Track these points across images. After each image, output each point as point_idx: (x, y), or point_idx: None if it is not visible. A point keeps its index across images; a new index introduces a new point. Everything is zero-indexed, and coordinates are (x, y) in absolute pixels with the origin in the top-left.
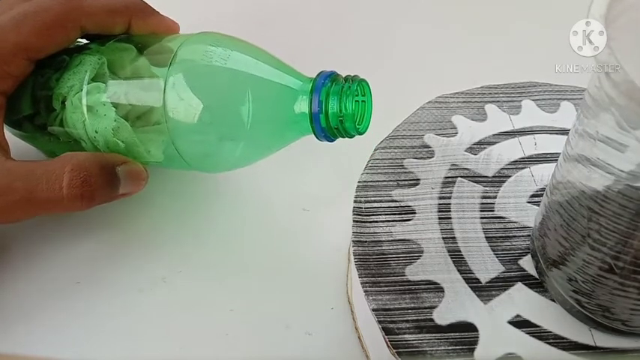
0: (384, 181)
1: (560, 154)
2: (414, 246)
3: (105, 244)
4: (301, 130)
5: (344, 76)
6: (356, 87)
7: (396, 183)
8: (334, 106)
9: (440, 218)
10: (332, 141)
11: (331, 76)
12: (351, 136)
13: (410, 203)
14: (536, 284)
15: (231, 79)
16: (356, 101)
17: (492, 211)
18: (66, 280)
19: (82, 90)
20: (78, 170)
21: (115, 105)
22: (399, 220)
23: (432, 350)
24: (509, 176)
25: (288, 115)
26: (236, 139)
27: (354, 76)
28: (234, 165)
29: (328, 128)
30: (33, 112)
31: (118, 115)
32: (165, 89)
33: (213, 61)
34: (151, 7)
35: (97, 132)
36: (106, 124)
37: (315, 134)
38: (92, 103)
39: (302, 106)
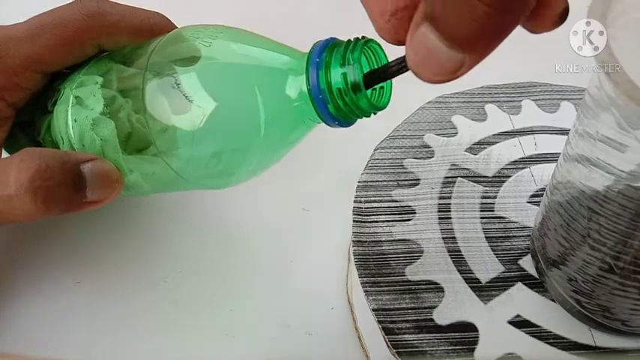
0: (384, 181)
1: (560, 154)
2: (414, 246)
3: (105, 245)
4: (308, 117)
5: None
6: (360, 49)
7: (396, 183)
8: (337, 75)
9: (440, 218)
10: (347, 125)
11: (330, 45)
12: (368, 114)
13: (410, 203)
14: (536, 284)
15: (224, 72)
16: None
17: (492, 211)
18: (66, 280)
19: (77, 80)
20: (29, 160)
21: (109, 104)
22: (399, 220)
23: (432, 350)
24: (509, 176)
25: (292, 102)
26: (244, 145)
27: (359, 38)
28: (244, 177)
29: (335, 107)
30: (28, 119)
31: (105, 111)
32: (144, 98)
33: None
34: (173, 25)
35: (75, 121)
36: (87, 114)
37: (321, 118)
38: (82, 94)
39: (300, 85)
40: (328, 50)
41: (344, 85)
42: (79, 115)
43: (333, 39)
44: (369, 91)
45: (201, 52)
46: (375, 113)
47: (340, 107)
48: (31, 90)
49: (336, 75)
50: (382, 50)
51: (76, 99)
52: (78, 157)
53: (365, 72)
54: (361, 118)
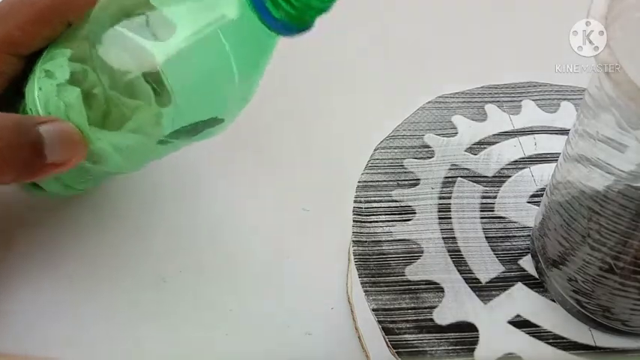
0: (384, 181)
1: (560, 154)
2: (413, 246)
3: (105, 244)
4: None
5: None
6: None
7: (396, 183)
8: None
9: (440, 218)
10: (303, 29)
11: None
12: (318, 12)
13: (410, 203)
14: (536, 284)
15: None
16: None
17: (492, 211)
18: (65, 280)
19: (47, 55)
20: None
21: (76, 75)
22: (399, 220)
23: (432, 350)
24: (509, 176)
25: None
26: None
27: None
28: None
29: (276, 6)
30: (13, 110)
31: (72, 80)
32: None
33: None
34: None
35: (40, 89)
36: (52, 82)
37: (267, 25)
38: (51, 67)
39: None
40: None
41: None
42: (45, 84)
43: None
44: None
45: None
46: (327, 9)
47: (285, 8)
48: (7, 73)
49: None
50: None
51: (45, 72)
52: (35, 119)
53: None
54: (314, 18)
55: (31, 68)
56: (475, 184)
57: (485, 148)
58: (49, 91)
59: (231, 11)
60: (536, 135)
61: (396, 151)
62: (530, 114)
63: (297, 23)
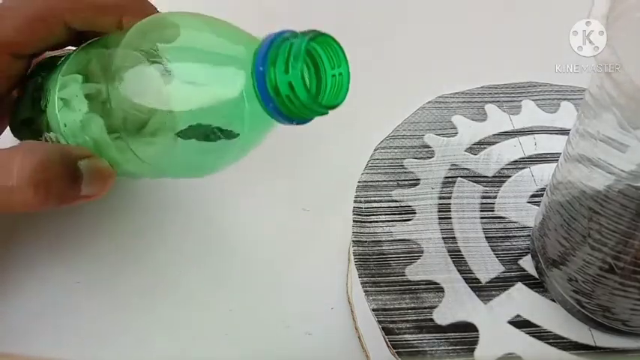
0: (384, 181)
1: (560, 154)
2: (414, 246)
3: (104, 245)
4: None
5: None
6: (306, 45)
7: (396, 183)
8: (283, 84)
9: (440, 218)
10: (305, 123)
11: (280, 38)
12: (325, 112)
13: (410, 203)
14: (536, 284)
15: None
16: (332, 75)
17: (492, 211)
18: (66, 280)
19: (59, 81)
20: (32, 154)
21: (91, 100)
22: (399, 220)
23: (432, 350)
24: (509, 176)
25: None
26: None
27: (312, 31)
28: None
29: (287, 110)
30: (31, 116)
31: (92, 109)
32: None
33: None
34: (146, 3)
35: (65, 125)
36: (74, 117)
37: (277, 120)
38: (67, 95)
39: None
40: (271, 54)
41: (291, 93)
42: (68, 119)
43: (280, 34)
44: (328, 78)
45: (174, 41)
46: (333, 109)
47: (293, 111)
48: (7, 73)
49: (281, 83)
50: (333, 39)
51: (61, 101)
52: (76, 152)
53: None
54: (317, 116)
55: (42, 78)
56: (475, 184)
57: (485, 148)
58: (74, 127)
59: (236, 89)
60: (536, 135)
61: (396, 151)
62: (530, 114)
63: (296, 119)
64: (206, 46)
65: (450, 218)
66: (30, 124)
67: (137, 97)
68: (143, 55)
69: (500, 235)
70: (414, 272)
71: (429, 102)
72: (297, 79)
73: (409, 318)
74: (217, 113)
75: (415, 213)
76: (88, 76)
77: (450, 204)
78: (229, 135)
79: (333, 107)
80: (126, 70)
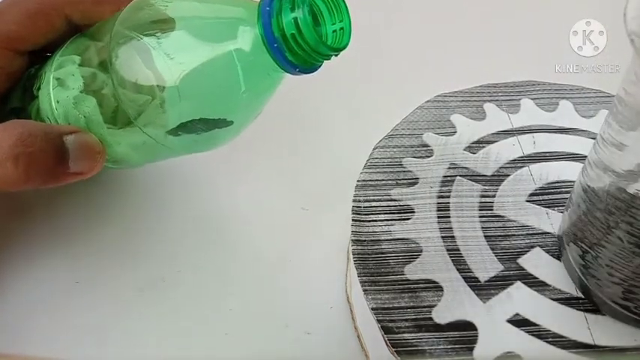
0: (383, 180)
1: (560, 153)
2: (413, 245)
3: (104, 244)
4: (271, 67)
5: None
6: None
7: (394, 182)
8: (288, 20)
9: (439, 217)
10: (311, 72)
11: None
12: (329, 57)
13: (409, 202)
14: (535, 283)
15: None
16: (333, 31)
17: (491, 209)
18: (66, 280)
19: (56, 62)
20: (12, 128)
21: (88, 82)
22: (398, 219)
23: (431, 349)
24: (508, 175)
25: (253, 55)
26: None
27: None
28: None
29: (292, 53)
30: (20, 105)
31: (86, 89)
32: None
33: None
34: None
35: (58, 102)
36: (68, 94)
37: (281, 67)
38: (62, 75)
39: (256, 37)
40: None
41: (297, 31)
42: (61, 95)
43: None
44: (328, 33)
45: (165, 13)
46: (336, 55)
47: (298, 53)
48: (5, 68)
49: (287, 21)
50: None
51: (56, 80)
52: (61, 129)
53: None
54: (322, 61)
55: (35, 69)
56: (474, 183)
57: (484, 147)
58: (66, 104)
59: (246, 42)
60: (535, 134)
61: (394, 150)
62: (529, 113)
63: (308, 67)
64: (203, 7)
65: (449, 217)
66: (19, 113)
67: (136, 70)
68: (139, 29)
69: (499, 234)
70: (413, 271)
71: (428, 101)
72: (303, 15)
73: (408, 317)
74: (220, 72)
75: (414, 212)
76: (85, 56)
77: (449, 203)
78: (231, 95)
79: (337, 50)
80: (123, 43)
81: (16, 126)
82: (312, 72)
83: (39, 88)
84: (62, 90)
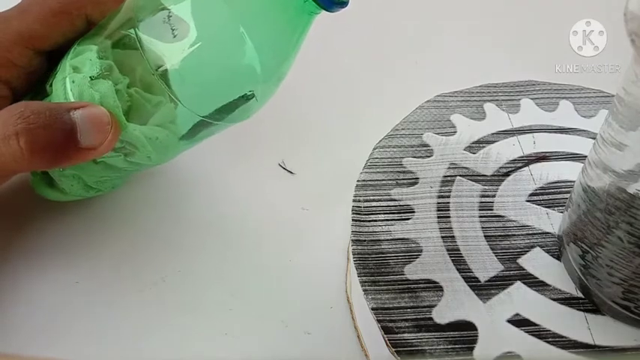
0: (383, 180)
1: (559, 153)
2: (413, 245)
3: (104, 244)
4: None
5: None
6: None
7: (395, 182)
8: None
9: (439, 217)
10: (344, 5)
11: None
12: None
13: (409, 202)
14: (535, 283)
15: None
16: None
17: (491, 209)
18: (66, 280)
19: (73, 52)
20: (14, 108)
21: (106, 69)
22: (398, 219)
23: (431, 349)
24: (508, 175)
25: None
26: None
27: None
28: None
29: None
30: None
31: (103, 74)
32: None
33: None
34: None
35: (73, 82)
36: (84, 74)
37: (320, 5)
38: (79, 63)
39: None
40: None
41: None
42: (77, 77)
43: None
44: None
45: None
46: None
47: None
48: (25, 68)
49: None
50: None
51: (73, 68)
52: (67, 105)
53: None
54: None
55: (53, 67)
56: (474, 182)
57: (484, 146)
58: (82, 84)
59: None
60: (535, 134)
61: (395, 150)
62: (529, 113)
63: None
64: None
65: (449, 217)
66: None
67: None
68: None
69: (499, 233)
70: (413, 271)
71: (428, 101)
72: None
73: (408, 317)
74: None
75: (414, 212)
76: (103, 45)
77: (449, 203)
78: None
79: None
80: (146, 16)
81: (19, 106)
82: (345, 5)
83: (51, 84)
84: (78, 74)
